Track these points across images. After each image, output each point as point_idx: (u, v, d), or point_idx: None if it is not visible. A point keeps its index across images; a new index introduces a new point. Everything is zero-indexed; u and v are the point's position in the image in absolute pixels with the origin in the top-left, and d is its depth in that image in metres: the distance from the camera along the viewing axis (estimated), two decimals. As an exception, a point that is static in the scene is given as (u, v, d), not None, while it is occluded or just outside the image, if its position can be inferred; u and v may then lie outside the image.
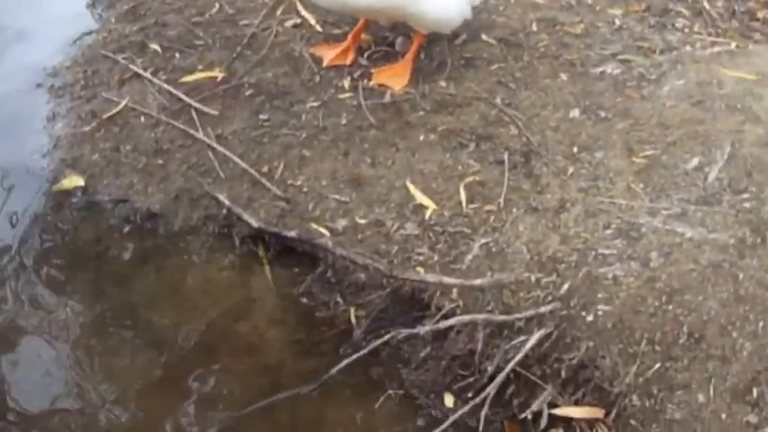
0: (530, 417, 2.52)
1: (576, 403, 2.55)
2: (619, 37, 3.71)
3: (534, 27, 3.71)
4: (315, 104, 3.41)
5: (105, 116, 3.46)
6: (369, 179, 3.09)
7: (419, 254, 2.85)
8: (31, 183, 3.38)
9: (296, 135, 3.29)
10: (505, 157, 3.09)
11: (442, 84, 3.43)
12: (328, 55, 3.67)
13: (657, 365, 2.46)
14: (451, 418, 2.55)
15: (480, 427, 2.53)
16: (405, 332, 2.68)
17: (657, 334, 2.50)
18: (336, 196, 3.05)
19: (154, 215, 3.18)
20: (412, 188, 3.02)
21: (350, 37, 3.67)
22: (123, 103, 3.51)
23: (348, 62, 3.63)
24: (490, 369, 2.63)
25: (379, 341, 2.70)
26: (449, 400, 2.66)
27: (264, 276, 3.01)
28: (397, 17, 3.42)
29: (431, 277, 2.75)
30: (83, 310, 2.98)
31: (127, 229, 3.20)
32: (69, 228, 3.24)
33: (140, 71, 3.64)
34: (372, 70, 3.56)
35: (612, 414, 2.48)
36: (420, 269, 2.80)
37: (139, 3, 4.08)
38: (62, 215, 3.27)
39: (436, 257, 2.83)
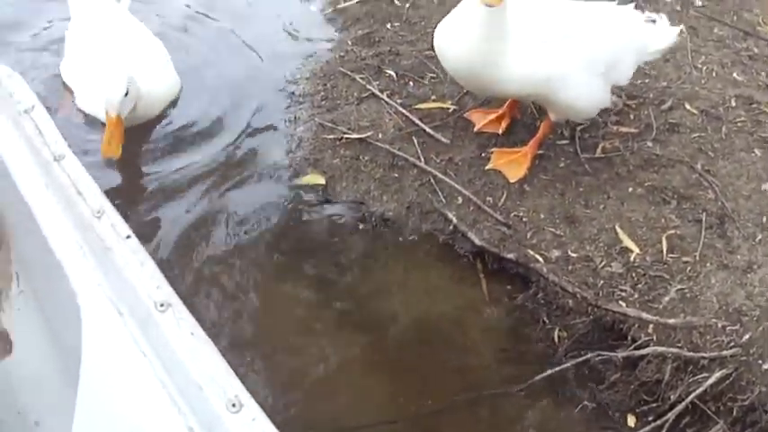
0: (700, 446, 2.82)
1: (742, 442, 2.84)
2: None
3: (733, 103, 3.97)
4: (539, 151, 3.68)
5: (346, 129, 3.84)
6: (582, 219, 3.44)
7: (622, 290, 3.20)
8: (274, 173, 3.77)
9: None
10: (703, 217, 3.42)
11: (649, 144, 3.74)
12: (480, 121, 3.78)
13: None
14: (633, 436, 2.87)
15: (656, 449, 2.85)
16: (604, 354, 3.04)
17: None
18: (552, 229, 3.41)
19: (387, 220, 3.51)
20: (620, 232, 3.37)
21: (505, 106, 3.77)
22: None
23: (500, 131, 3.72)
24: (672, 398, 2.96)
25: (580, 359, 3.06)
26: (631, 421, 2.98)
27: (480, 288, 3.33)
28: (539, 101, 3.50)
29: (631, 311, 3.10)
30: (308, 286, 3.33)
31: (360, 227, 3.55)
32: (307, 218, 3.59)
33: (377, 92, 4.00)
34: (493, 150, 3.68)
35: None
36: (622, 303, 3.15)
37: (374, 30, 4.43)
38: (301, 206, 3.62)
39: (636, 295, 3.18)
